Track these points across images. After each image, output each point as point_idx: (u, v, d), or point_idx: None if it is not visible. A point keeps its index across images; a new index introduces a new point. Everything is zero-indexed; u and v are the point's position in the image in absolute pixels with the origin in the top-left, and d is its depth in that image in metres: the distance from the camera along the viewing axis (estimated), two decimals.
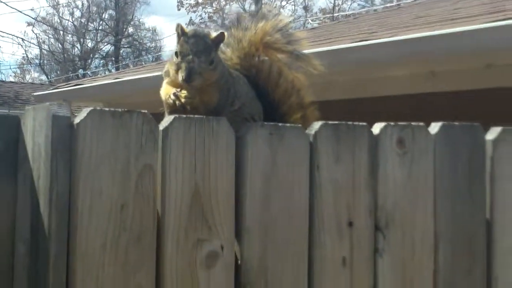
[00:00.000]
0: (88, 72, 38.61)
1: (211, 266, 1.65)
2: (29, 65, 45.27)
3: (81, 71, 40.73)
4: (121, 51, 44.37)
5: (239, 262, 1.70)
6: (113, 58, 43.33)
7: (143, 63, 35.06)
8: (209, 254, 1.65)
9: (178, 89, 2.17)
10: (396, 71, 6.21)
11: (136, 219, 1.57)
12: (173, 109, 2.15)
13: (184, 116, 1.65)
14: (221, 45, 2.27)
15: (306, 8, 40.08)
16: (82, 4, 44.37)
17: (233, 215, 1.69)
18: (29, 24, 43.54)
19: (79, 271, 1.51)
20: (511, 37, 4.98)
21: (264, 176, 1.73)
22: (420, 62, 5.80)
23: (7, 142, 1.61)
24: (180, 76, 2.16)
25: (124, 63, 40.90)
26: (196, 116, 1.67)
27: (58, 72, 42.44)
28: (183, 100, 2.13)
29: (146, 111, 1.60)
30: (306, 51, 2.43)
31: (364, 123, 1.86)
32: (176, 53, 2.21)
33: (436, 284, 1.92)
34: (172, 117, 1.64)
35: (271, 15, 2.42)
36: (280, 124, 1.77)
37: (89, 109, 1.55)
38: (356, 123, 1.84)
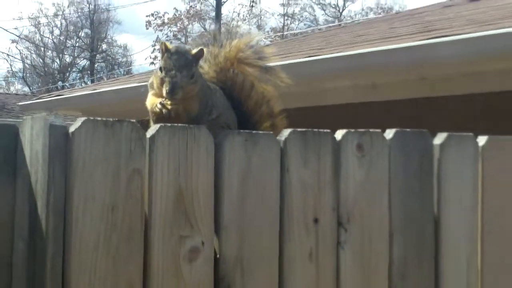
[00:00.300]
0: (67, 84, 38.27)
1: (193, 260, 1.62)
2: (14, 78, 44.99)
3: (60, 83, 40.38)
4: (95, 66, 44.09)
5: (217, 256, 1.68)
6: (89, 72, 43.07)
7: (116, 76, 34.85)
8: (191, 249, 1.62)
9: (164, 99, 2.15)
10: (341, 83, 6.23)
11: (126, 219, 1.54)
12: (159, 116, 2.13)
13: (169, 125, 1.63)
14: (200, 60, 2.26)
15: (259, 27, 40.14)
16: (61, 24, 44.07)
17: (212, 214, 1.66)
18: (13, 41, 43.16)
19: (74, 268, 1.48)
20: (441, 53, 5.04)
21: (240, 178, 1.70)
22: (362, 75, 5.83)
23: (6, 149, 1.57)
24: (164, 90, 2.14)
25: (98, 76, 40.64)
26: (179, 125, 1.65)
27: (39, 84, 42.10)
28: (169, 107, 2.11)
29: (134, 120, 1.58)
30: (272, 65, 2.43)
31: (328, 130, 1.85)
32: (160, 68, 2.18)
33: (391, 272, 1.92)
34: (158, 125, 1.61)
35: (244, 33, 2.41)
36: (254, 131, 1.76)
37: (83, 118, 1.52)
38: (321, 130, 1.83)
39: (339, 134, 1.86)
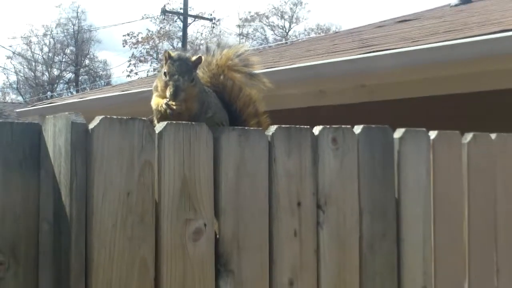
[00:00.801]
0: (55, 94, 37.68)
1: (197, 240, 1.56)
2: (9, 89, 44.21)
3: (49, 93, 39.72)
4: (80, 78, 43.46)
5: (217, 236, 1.61)
6: (74, 83, 42.41)
7: (97, 87, 34.37)
8: (195, 230, 1.56)
9: (168, 100, 2.08)
10: (294, 90, 6.21)
11: (139, 204, 1.47)
12: (163, 115, 2.06)
13: (175, 122, 1.56)
14: (198, 66, 2.19)
15: (218, 45, 39.94)
16: (49, 42, 43.35)
17: (212, 199, 1.60)
18: (8, 57, 42.44)
19: (95, 246, 1.41)
20: (377, 64, 5.06)
21: (235, 167, 1.64)
22: (312, 83, 5.83)
23: (31, 145, 1.48)
24: (168, 92, 2.08)
25: (82, 87, 40.03)
26: (183, 122, 1.58)
27: (31, 94, 41.32)
28: (174, 107, 2.04)
29: (145, 118, 1.51)
30: (256, 72, 2.38)
31: (308, 127, 1.80)
32: (164, 73, 2.12)
33: (361, 245, 1.88)
34: (165, 123, 1.55)
35: (233, 44, 2.35)
36: (246, 128, 1.71)
37: (101, 117, 1.44)
38: (302, 126, 1.78)
39: (316, 129, 1.82)
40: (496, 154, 2.26)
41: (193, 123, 1.58)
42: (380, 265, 1.91)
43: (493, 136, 2.26)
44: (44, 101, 12.15)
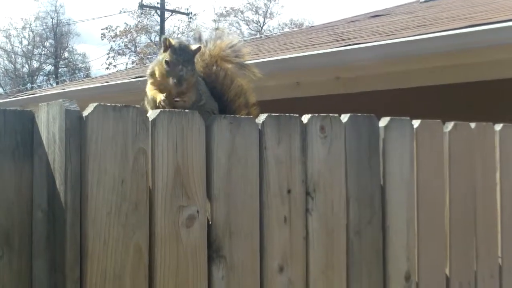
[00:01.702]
0: (35, 86, 37.10)
1: (190, 226, 1.52)
2: None
3: (29, 85, 39.12)
4: (59, 70, 42.87)
5: (210, 222, 1.57)
6: (54, 75, 41.82)
7: (77, 79, 33.94)
8: (188, 217, 1.52)
9: (164, 95, 1.99)
10: (271, 82, 6.17)
11: (134, 191, 1.42)
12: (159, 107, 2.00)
13: (168, 110, 1.52)
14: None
15: (195, 39, 39.65)
16: (29, 35, 42.68)
17: (205, 186, 1.56)
18: None
19: (90, 233, 1.36)
20: (353, 57, 5.06)
21: (226, 154, 1.60)
22: (288, 75, 5.80)
23: (24, 132, 1.43)
24: (172, 81, 1.99)
25: (62, 79, 39.51)
26: (176, 110, 1.53)
27: (11, 86, 40.67)
28: (174, 103, 1.98)
29: (139, 106, 1.46)
30: (247, 62, 2.34)
31: (297, 115, 1.76)
32: (166, 62, 2.03)
33: (348, 230, 1.85)
34: (158, 110, 1.50)
35: (225, 35, 2.29)
36: (237, 116, 1.66)
37: (95, 104, 1.39)
38: (291, 114, 1.74)
39: (305, 118, 1.78)
40: (476, 143, 2.25)
41: (186, 111, 1.54)
42: (366, 250, 1.89)
43: (472, 125, 2.25)
44: (25, 92, 11.95)
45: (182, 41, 2.08)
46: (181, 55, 2.01)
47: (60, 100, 1.38)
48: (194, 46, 2.09)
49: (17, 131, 1.42)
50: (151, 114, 1.49)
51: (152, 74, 2.07)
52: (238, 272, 1.60)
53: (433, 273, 2.07)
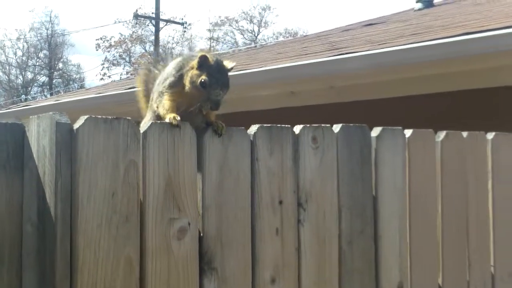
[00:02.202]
0: (29, 97, 37.02)
1: (181, 238, 1.52)
2: None
3: (23, 96, 39.08)
4: (54, 81, 42.84)
5: (201, 234, 1.57)
6: (48, 87, 41.79)
7: (71, 89, 33.94)
8: (179, 229, 1.52)
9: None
10: (266, 92, 6.18)
11: (124, 203, 1.43)
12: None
13: (159, 122, 1.52)
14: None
15: (190, 49, 39.71)
16: (23, 46, 42.69)
17: (196, 198, 1.56)
18: None
19: (80, 246, 1.36)
20: (346, 66, 5.06)
21: (218, 166, 1.61)
22: (282, 85, 5.80)
23: (14, 145, 1.43)
24: (209, 105, 1.76)
25: (56, 90, 39.49)
26: (166, 122, 1.54)
27: (5, 97, 40.61)
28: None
29: (129, 118, 1.46)
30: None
31: (289, 126, 1.77)
32: (202, 83, 1.81)
33: (341, 241, 1.86)
34: (149, 123, 1.51)
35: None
36: (229, 127, 1.66)
37: (85, 117, 1.39)
38: (283, 125, 1.75)
39: (297, 128, 1.79)
40: (468, 152, 2.26)
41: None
42: (358, 261, 1.89)
43: (464, 134, 2.26)
44: (19, 103, 11.95)
45: (219, 59, 1.90)
46: (220, 78, 1.84)
47: (51, 112, 1.38)
48: (229, 65, 1.92)
49: (8, 144, 1.42)
50: (142, 126, 1.50)
51: (172, 86, 1.88)
52: (230, 284, 1.60)
53: (426, 282, 2.07)
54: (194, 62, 1.84)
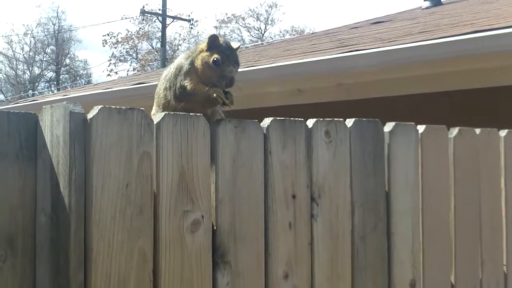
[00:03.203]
0: (36, 93, 37.12)
1: (195, 231, 1.50)
2: None
3: (30, 91, 39.15)
4: (61, 77, 42.91)
5: (214, 227, 1.56)
6: (55, 82, 41.87)
7: (78, 85, 33.98)
8: (193, 222, 1.50)
9: (220, 91, 1.87)
10: (273, 89, 6.17)
11: (138, 195, 1.41)
12: (206, 100, 1.89)
13: (172, 113, 1.51)
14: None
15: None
16: (30, 41, 42.78)
17: (210, 191, 1.54)
18: None
19: (94, 237, 1.34)
20: (355, 64, 5.05)
21: (231, 159, 1.59)
22: (290, 82, 5.79)
23: (28, 135, 1.42)
24: (224, 82, 1.88)
25: (63, 85, 39.54)
26: (181, 113, 1.52)
27: (12, 92, 40.71)
28: (227, 101, 1.88)
29: (143, 108, 1.44)
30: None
31: (302, 119, 1.75)
32: (215, 61, 1.89)
33: (353, 237, 1.84)
34: (163, 114, 1.49)
35: None
36: (242, 120, 1.64)
37: (99, 106, 1.38)
38: (296, 118, 1.73)
39: (310, 122, 1.77)
40: (480, 148, 2.24)
41: (191, 114, 1.52)
42: (371, 257, 1.87)
43: (477, 131, 2.24)
44: (27, 98, 11.96)
45: (227, 40, 1.96)
46: (230, 55, 1.90)
47: (64, 102, 1.37)
48: (235, 45, 1.98)
49: (21, 133, 1.41)
50: (155, 117, 1.48)
51: (189, 72, 1.94)
52: (243, 278, 1.59)
53: (438, 280, 2.06)
54: (203, 45, 1.92)
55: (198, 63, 1.91)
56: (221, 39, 1.94)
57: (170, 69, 2.02)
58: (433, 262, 2.04)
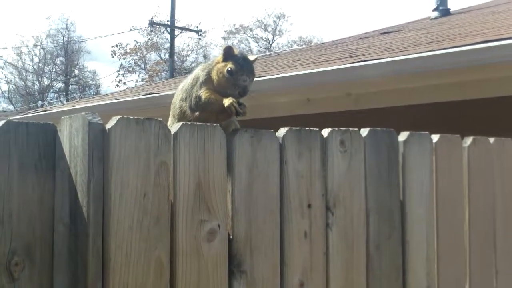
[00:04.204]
0: (45, 103, 37.27)
1: (211, 240, 1.50)
2: (0, 98, 43.77)
3: (39, 102, 39.36)
4: (70, 87, 43.14)
5: (230, 237, 1.56)
6: (64, 93, 42.10)
7: (87, 96, 34.16)
8: (209, 231, 1.50)
9: (235, 101, 1.91)
10: (281, 99, 6.18)
11: (155, 205, 1.41)
12: (221, 111, 1.94)
13: (189, 123, 1.51)
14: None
15: (205, 56, 39.92)
16: (40, 53, 43.07)
17: (226, 200, 1.55)
18: None
19: (112, 247, 1.35)
20: (365, 74, 5.04)
21: (247, 168, 1.59)
22: (299, 92, 5.79)
23: (46, 145, 1.42)
24: (237, 91, 1.94)
25: (72, 96, 39.72)
26: (198, 123, 1.53)
27: (22, 103, 40.95)
28: (241, 110, 1.92)
29: (161, 119, 1.45)
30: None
31: (317, 129, 1.75)
32: (229, 71, 1.95)
33: (368, 245, 1.83)
34: (180, 124, 1.49)
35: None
36: (258, 130, 1.65)
37: (118, 117, 1.38)
38: (311, 128, 1.74)
39: (325, 132, 1.77)
40: (494, 158, 2.23)
41: (207, 124, 1.53)
42: (386, 266, 1.87)
43: (491, 140, 2.23)
44: (37, 109, 12.03)
45: (243, 51, 2.02)
46: (245, 65, 1.96)
47: (83, 112, 1.37)
48: (253, 58, 2.03)
49: (40, 144, 1.41)
50: (173, 127, 1.49)
51: (206, 82, 1.99)
52: (259, 287, 1.58)
53: None
54: (219, 57, 1.95)
55: (213, 73, 1.95)
56: (236, 50, 1.98)
57: (187, 80, 2.05)
58: (448, 271, 2.03)
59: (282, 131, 1.68)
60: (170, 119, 2.07)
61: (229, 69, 1.95)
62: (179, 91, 2.07)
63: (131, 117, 1.40)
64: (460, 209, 2.09)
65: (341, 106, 5.71)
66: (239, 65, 1.95)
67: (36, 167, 1.40)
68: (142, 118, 1.41)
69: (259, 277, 1.59)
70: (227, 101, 1.90)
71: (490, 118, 5.02)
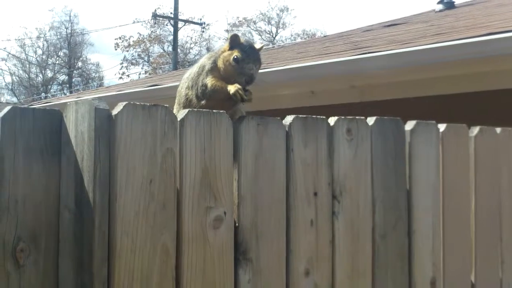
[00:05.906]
0: (49, 95, 37.32)
1: (217, 227, 1.50)
2: (4, 90, 43.77)
3: (43, 94, 39.39)
4: (73, 80, 43.15)
5: (236, 224, 1.55)
6: (67, 85, 42.10)
7: (90, 88, 34.17)
8: (215, 218, 1.50)
9: (240, 87, 1.92)
10: (285, 91, 6.16)
11: (161, 191, 1.41)
12: (226, 98, 1.94)
13: (196, 110, 1.50)
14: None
15: (208, 49, 39.85)
16: (43, 45, 43.06)
17: (232, 188, 1.54)
18: (2, 59, 42.05)
19: (118, 233, 1.34)
20: (370, 66, 5.03)
21: (253, 156, 1.59)
22: (303, 84, 5.78)
23: (52, 131, 1.42)
24: (243, 79, 1.94)
25: (75, 88, 39.73)
26: (204, 110, 1.52)
27: (25, 95, 40.99)
28: (246, 97, 1.92)
29: (167, 105, 1.44)
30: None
31: (323, 117, 1.75)
32: (235, 59, 1.96)
33: (374, 235, 1.83)
34: (186, 110, 1.49)
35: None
36: (264, 117, 1.64)
37: (124, 103, 1.38)
38: (318, 116, 1.73)
39: (332, 120, 1.76)
40: (501, 148, 2.22)
41: (214, 111, 1.52)
42: (392, 255, 1.86)
43: (498, 130, 2.22)
44: (40, 101, 12.03)
45: (249, 40, 2.03)
46: (251, 54, 1.96)
47: (89, 98, 1.37)
48: (258, 46, 2.04)
49: (46, 130, 1.41)
50: (179, 114, 1.48)
51: (212, 70, 1.99)
52: (264, 275, 1.58)
53: (459, 279, 2.04)
54: (225, 46, 1.95)
55: (220, 62, 1.95)
56: (242, 38, 1.98)
57: (193, 69, 2.05)
58: (454, 261, 2.02)
59: (288, 119, 1.67)
60: (175, 106, 2.06)
61: (235, 57, 1.95)
62: (184, 79, 2.07)
63: (138, 103, 1.39)
64: (466, 198, 2.09)
65: (346, 98, 5.70)
66: (245, 53, 1.95)
67: (41, 153, 1.39)
68: (148, 104, 1.41)
69: (265, 265, 1.58)
70: (232, 88, 1.90)
71: (495, 110, 5.00)
